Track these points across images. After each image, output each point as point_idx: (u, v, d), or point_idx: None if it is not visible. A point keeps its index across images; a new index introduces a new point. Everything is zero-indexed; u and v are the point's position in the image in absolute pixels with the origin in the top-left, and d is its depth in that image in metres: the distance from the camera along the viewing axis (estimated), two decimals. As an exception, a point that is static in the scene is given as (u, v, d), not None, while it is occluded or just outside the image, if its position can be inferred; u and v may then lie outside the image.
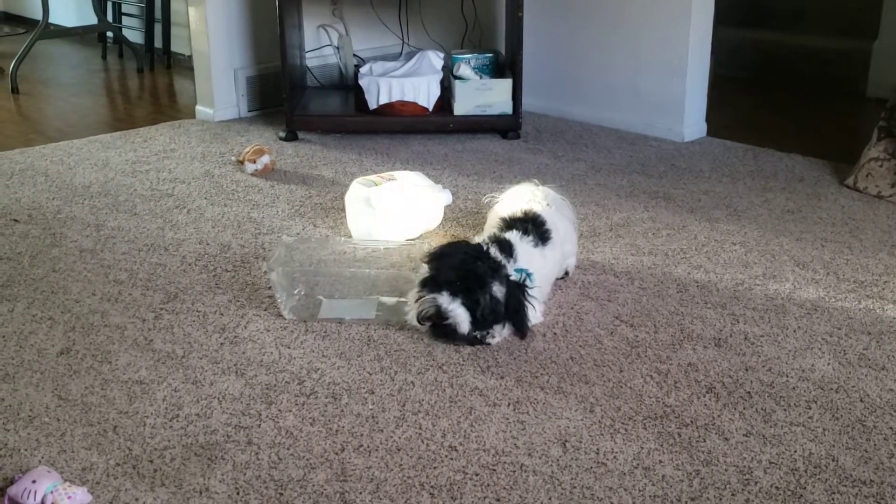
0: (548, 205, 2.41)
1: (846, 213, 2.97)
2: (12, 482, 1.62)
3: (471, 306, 2.07)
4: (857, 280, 2.47)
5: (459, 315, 2.07)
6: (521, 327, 2.13)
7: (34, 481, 1.59)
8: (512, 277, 2.15)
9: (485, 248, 2.18)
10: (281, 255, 2.35)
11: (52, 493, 1.57)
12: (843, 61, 4.70)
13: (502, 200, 2.52)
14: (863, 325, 2.22)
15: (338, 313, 2.27)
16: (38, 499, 1.57)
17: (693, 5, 3.62)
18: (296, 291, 2.33)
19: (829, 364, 2.05)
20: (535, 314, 2.21)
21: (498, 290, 2.09)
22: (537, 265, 2.24)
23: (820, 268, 2.55)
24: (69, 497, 1.57)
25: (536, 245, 2.27)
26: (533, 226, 2.30)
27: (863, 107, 4.47)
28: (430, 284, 2.11)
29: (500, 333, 2.14)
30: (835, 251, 2.66)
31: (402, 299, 2.26)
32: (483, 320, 2.08)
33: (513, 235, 2.26)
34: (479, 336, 2.11)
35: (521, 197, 2.45)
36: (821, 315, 2.27)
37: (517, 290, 2.13)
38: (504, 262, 2.17)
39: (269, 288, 2.39)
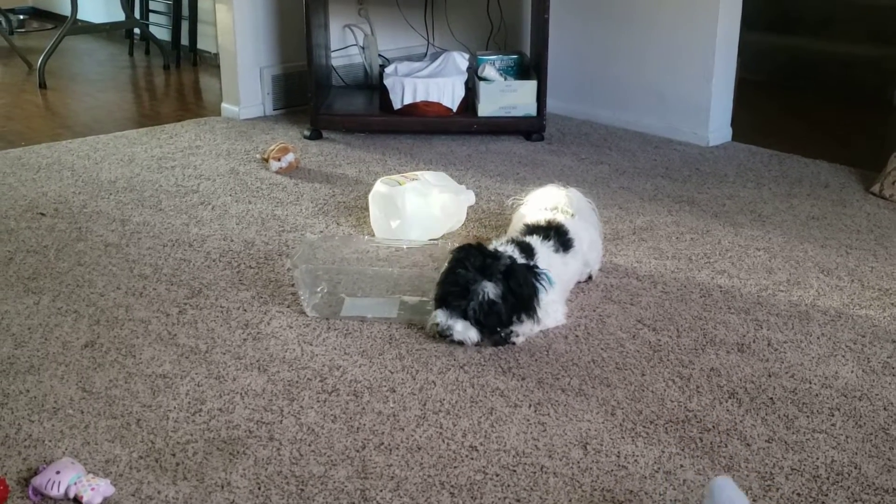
0: (573, 214, 2.41)
1: (871, 220, 2.95)
2: (36, 472, 1.64)
3: (464, 316, 2.09)
4: (882, 288, 2.45)
5: (458, 331, 2.09)
6: (531, 312, 2.13)
7: (58, 472, 1.60)
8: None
9: (496, 249, 2.18)
10: (305, 253, 2.36)
11: (75, 484, 1.59)
12: (871, 68, 4.66)
13: (527, 203, 2.52)
14: (887, 333, 2.21)
15: (360, 311, 2.28)
16: (62, 490, 1.58)
17: (720, 9, 3.60)
18: (318, 289, 2.34)
19: (852, 371, 2.03)
20: (557, 316, 2.21)
21: (491, 289, 2.08)
22: (557, 271, 2.24)
23: (844, 275, 2.53)
24: (92, 489, 1.58)
25: (557, 251, 2.27)
26: (555, 233, 2.30)
27: (890, 114, 4.43)
28: (434, 302, 2.15)
29: (525, 333, 2.14)
30: (860, 258, 2.64)
31: (425, 298, 2.27)
32: (485, 324, 2.09)
33: (534, 240, 2.26)
34: (503, 335, 2.11)
35: (545, 199, 2.45)
36: (845, 322, 2.26)
37: (527, 275, 2.13)
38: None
39: (292, 285, 2.40)
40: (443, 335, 2.11)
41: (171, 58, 5.36)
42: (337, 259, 2.53)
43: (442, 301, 2.12)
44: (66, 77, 5.08)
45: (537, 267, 2.17)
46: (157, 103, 4.60)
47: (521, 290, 2.10)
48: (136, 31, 5.66)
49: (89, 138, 3.78)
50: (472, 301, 2.07)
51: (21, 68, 5.24)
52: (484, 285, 2.08)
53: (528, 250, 2.21)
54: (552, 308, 2.21)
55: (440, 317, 2.11)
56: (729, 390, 1.96)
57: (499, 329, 2.11)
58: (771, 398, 1.93)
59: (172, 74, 5.22)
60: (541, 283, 2.14)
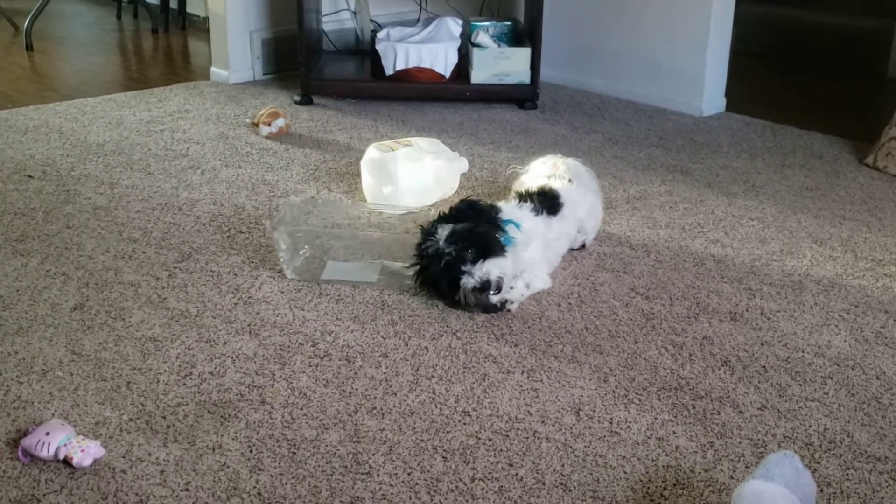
0: (570, 180, 2.40)
1: (865, 191, 2.94)
2: (26, 434, 1.63)
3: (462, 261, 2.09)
4: (875, 258, 2.45)
5: (490, 270, 2.08)
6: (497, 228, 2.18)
7: (48, 433, 1.59)
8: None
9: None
10: (286, 215, 2.34)
11: (65, 445, 1.57)
12: (865, 40, 4.64)
13: (527, 172, 2.51)
14: (880, 303, 2.21)
15: (340, 275, 2.26)
16: (52, 451, 1.57)
17: (716, -22, 3.57)
18: (301, 252, 2.32)
19: (845, 341, 2.03)
20: (544, 277, 2.22)
21: (446, 227, 2.13)
22: (538, 230, 2.23)
23: (838, 245, 2.53)
24: (82, 450, 1.57)
25: (539, 213, 2.26)
26: (540, 197, 2.29)
27: (884, 86, 4.41)
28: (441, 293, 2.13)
29: (517, 298, 2.13)
30: (853, 229, 2.64)
31: (406, 265, 2.24)
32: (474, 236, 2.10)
33: (509, 204, 2.28)
34: (499, 304, 2.10)
35: (544, 169, 2.44)
36: (838, 292, 2.26)
37: (466, 203, 2.19)
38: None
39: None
40: (485, 289, 2.06)
41: (159, 21, 5.29)
42: (328, 224, 2.51)
43: (447, 270, 2.08)
44: (53, 39, 5.01)
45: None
46: (146, 67, 4.55)
47: (468, 212, 2.14)
48: (124, -7, 5.58)
49: (77, 101, 3.73)
50: (438, 241, 2.09)
51: (7, 30, 5.16)
52: (437, 234, 2.11)
53: (493, 208, 2.22)
54: (537, 269, 2.20)
55: (467, 281, 2.06)
56: (722, 358, 1.96)
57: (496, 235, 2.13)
58: (764, 366, 1.93)
59: (161, 38, 5.15)
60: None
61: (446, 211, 2.18)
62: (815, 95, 4.19)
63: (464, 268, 2.06)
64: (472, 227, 2.10)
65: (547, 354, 1.96)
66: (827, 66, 4.67)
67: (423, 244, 2.12)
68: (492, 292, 2.07)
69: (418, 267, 2.14)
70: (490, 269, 2.06)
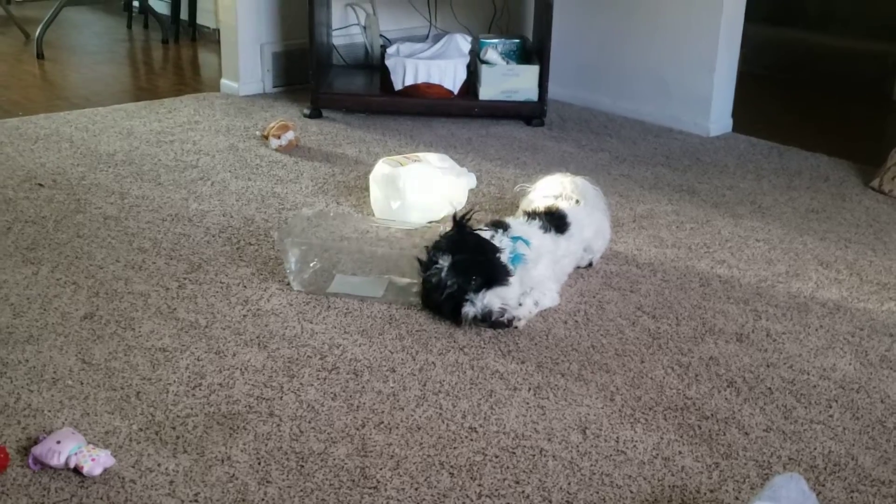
0: (577, 201, 2.42)
1: (871, 214, 2.96)
2: (37, 442, 1.64)
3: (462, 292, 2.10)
4: (881, 282, 2.46)
5: (492, 301, 2.09)
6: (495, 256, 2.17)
7: (59, 442, 1.60)
8: (506, 247, 2.17)
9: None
10: (295, 227, 2.35)
11: (75, 454, 1.58)
12: (872, 63, 4.66)
13: (535, 190, 2.52)
14: (885, 326, 2.22)
15: (346, 289, 2.28)
16: (63, 459, 1.58)
17: (724, 0, 3.59)
18: (311, 264, 2.33)
19: (850, 364, 2.04)
20: (552, 295, 2.24)
21: (446, 258, 2.12)
22: (547, 247, 2.25)
23: (843, 268, 2.54)
24: (93, 459, 1.58)
25: (547, 231, 2.28)
26: (548, 217, 2.31)
27: (890, 109, 4.44)
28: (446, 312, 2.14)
29: (525, 315, 2.14)
30: (858, 252, 2.65)
31: (413, 281, 2.26)
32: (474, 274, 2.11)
33: (517, 220, 2.29)
34: (506, 321, 2.11)
35: (552, 187, 2.46)
36: (843, 315, 2.27)
37: (462, 233, 2.17)
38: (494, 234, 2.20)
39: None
40: (486, 318, 2.09)
41: (169, 32, 5.32)
42: (336, 237, 2.52)
43: (450, 299, 2.10)
44: (64, 48, 5.04)
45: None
46: (156, 77, 4.57)
47: (468, 242, 2.14)
48: (136, 3, 5.61)
49: (87, 110, 3.76)
50: (440, 271, 2.09)
51: (18, 38, 5.19)
52: (439, 264, 2.11)
53: (501, 226, 2.24)
54: (547, 286, 2.22)
55: (468, 310, 2.09)
56: (727, 379, 1.97)
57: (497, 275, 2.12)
58: (769, 388, 1.94)
59: (171, 49, 5.18)
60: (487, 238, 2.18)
61: (441, 239, 2.17)
62: (821, 118, 4.21)
63: (466, 297, 2.09)
64: (473, 258, 2.11)
65: (553, 372, 1.97)
66: (832, 89, 4.69)
67: (427, 271, 2.14)
68: (501, 319, 2.10)
69: (423, 291, 2.17)
70: (492, 300, 2.08)
